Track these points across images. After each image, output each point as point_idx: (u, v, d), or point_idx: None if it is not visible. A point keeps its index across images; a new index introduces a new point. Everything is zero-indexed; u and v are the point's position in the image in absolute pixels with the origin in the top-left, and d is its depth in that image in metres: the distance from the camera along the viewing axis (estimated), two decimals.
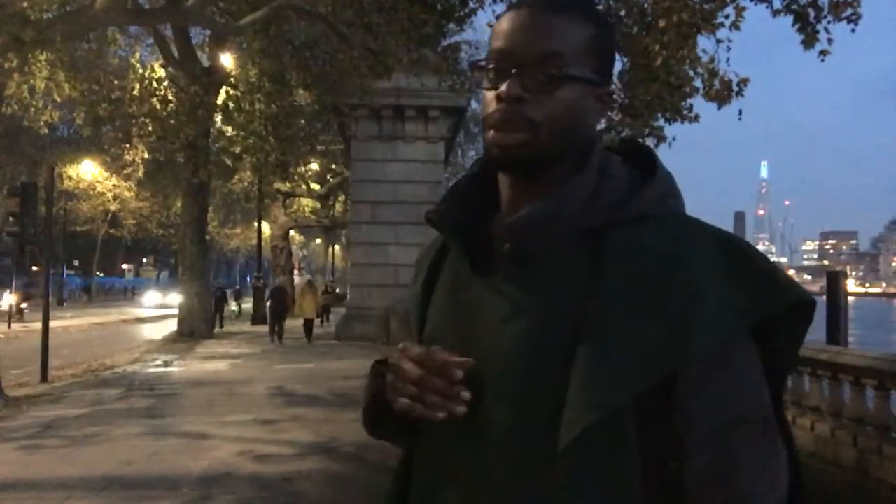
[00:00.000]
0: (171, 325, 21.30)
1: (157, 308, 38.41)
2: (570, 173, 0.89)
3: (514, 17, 0.88)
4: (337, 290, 34.29)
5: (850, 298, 23.78)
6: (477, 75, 0.91)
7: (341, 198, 32.04)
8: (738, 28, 9.13)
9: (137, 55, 18.77)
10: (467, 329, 0.90)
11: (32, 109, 14.53)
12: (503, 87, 0.86)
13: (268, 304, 19.98)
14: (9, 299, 26.37)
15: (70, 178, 32.79)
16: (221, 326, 23.77)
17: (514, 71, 0.86)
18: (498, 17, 0.91)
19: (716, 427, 0.80)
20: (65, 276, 47.84)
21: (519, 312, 0.86)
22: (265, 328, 19.73)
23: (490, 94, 0.88)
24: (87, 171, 33.47)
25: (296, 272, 37.26)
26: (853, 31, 9.10)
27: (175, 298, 40.44)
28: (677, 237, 0.83)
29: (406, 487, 0.98)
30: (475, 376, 0.84)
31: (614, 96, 0.96)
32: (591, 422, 0.77)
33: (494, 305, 0.88)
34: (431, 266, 1.02)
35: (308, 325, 18.27)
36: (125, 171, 28.57)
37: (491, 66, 0.88)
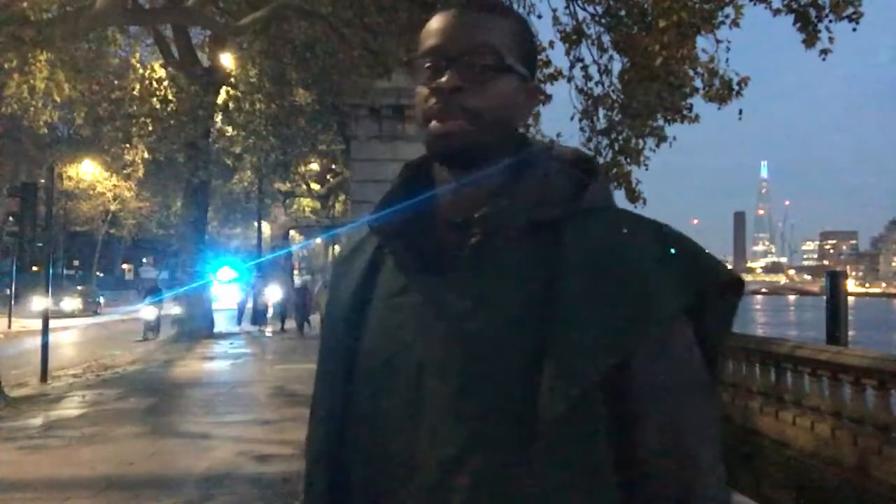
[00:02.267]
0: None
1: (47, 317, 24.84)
2: (511, 170, 0.93)
3: (444, 16, 0.92)
4: None
5: (850, 298, 23.75)
6: (412, 72, 0.93)
7: (341, 198, 32.02)
8: (737, 26, 9.14)
9: (137, 55, 18.77)
10: (415, 330, 0.90)
11: (32, 109, 14.52)
12: (442, 80, 0.89)
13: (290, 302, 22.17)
14: None
15: (70, 178, 32.81)
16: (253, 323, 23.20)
17: (449, 63, 0.89)
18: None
19: (664, 392, 0.85)
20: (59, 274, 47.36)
21: (481, 306, 0.87)
22: (266, 328, 19.97)
23: (425, 90, 0.91)
24: (87, 171, 33.48)
25: (295, 272, 37.23)
26: (854, 30, 9.11)
27: (72, 303, 29.67)
28: (622, 227, 0.89)
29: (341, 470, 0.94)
30: None
31: (540, 95, 1.00)
32: (573, 396, 0.80)
33: (448, 303, 0.88)
34: (365, 274, 0.99)
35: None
36: (125, 171, 28.58)
37: (427, 62, 0.91)
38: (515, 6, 11.22)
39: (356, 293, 0.98)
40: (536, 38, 0.97)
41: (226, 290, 27.48)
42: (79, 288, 36.16)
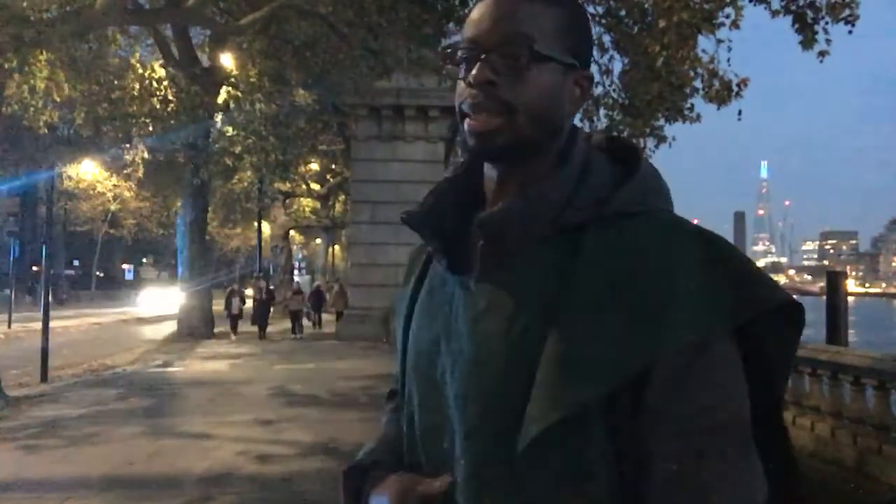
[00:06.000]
0: None
1: None
2: (552, 166, 0.87)
3: (482, 6, 0.87)
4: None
5: (850, 298, 23.77)
6: (451, 66, 0.90)
7: (341, 198, 32.04)
8: (737, 27, 9.14)
9: (137, 55, 18.75)
10: (441, 329, 0.90)
11: (32, 109, 14.52)
12: (473, 72, 0.84)
13: (308, 301, 23.82)
14: None
15: (70, 178, 32.78)
16: (263, 335, 20.24)
17: (483, 56, 0.84)
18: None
19: (684, 432, 0.75)
20: None
21: (491, 310, 0.84)
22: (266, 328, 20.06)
23: (461, 84, 0.87)
24: (87, 171, 33.46)
25: (295, 272, 37.25)
26: (850, 32, 9.11)
27: None
28: (655, 235, 0.80)
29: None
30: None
31: (594, 81, 0.93)
32: (552, 421, 0.75)
33: (468, 304, 0.87)
34: (423, 264, 1.00)
35: (339, 316, 21.16)
36: (125, 171, 28.54)
37: (462, 54, 0.87)
38: None
39: (416, 282, 1.00)
40: (589, 25, 0.93)
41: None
42: None
